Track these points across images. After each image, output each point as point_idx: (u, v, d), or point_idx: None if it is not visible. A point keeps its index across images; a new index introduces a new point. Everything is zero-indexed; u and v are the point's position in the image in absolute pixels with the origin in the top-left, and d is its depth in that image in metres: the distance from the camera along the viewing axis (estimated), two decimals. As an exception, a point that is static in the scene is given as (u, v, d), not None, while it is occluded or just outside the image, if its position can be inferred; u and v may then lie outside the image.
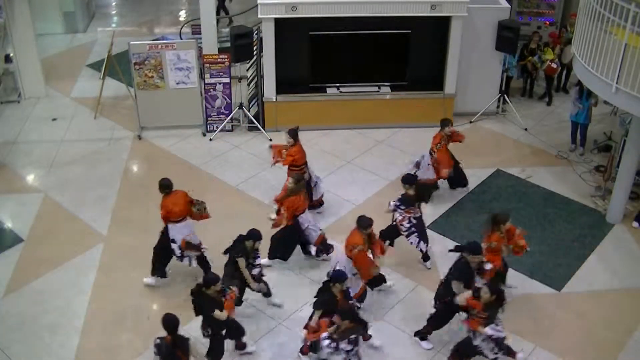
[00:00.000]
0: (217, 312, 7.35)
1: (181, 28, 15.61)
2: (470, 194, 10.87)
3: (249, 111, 12.64)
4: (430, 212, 10.46)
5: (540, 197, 10.91)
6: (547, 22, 14.91)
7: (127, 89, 13.20)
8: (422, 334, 8.17)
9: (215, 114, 12.46)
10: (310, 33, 11.98)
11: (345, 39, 12.08)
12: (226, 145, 12.19)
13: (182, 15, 17.93)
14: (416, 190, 8.96)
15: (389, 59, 12.41)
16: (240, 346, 8.02)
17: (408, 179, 9.05)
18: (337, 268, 7.82)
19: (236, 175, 11.31)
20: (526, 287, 9.09)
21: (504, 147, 12.04)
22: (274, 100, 12.32)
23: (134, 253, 9.51)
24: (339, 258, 8.34)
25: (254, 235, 8.09)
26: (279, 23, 11.67)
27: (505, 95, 13.00)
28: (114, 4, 18.92)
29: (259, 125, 12.47)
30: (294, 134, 9.80)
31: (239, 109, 12.49)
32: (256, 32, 12.11)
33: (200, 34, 12.81)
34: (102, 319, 8.51)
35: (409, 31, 12.09)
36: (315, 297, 7.60)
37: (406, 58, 12.33)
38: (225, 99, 12.41)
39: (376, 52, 12.30)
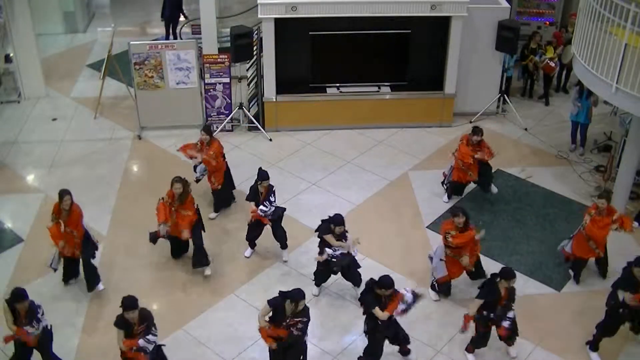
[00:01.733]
0: (377, 311, 7.33)
1: (181, 28, 15.60)
2: (470, 194, 10.86)
3: (249, 111, 12.64)
4: (429, 212, 10.48)
5: (540, 197, 10.91)
6: (547, 22, 14.90)
7: (127, 89, 13.20)
8: (593, 343, 8.12)
9: (215, 114, 12.46)
10: (310, 33, 11.98)
11: (345, 39, 12.08)
12: (226, 145, 12.12)
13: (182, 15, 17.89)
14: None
15: (389, 59, 12.41)
16: (405, 351, 7.94)
17: (263, 175, 9.05)
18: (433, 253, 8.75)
19: (236, 175, 11.28)
20: (526, 287, 9.09)
21: (504, 147, 12.03)
22: (274, 100, 12.32)
23: (134, 253, 9.52)
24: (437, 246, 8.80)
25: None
26: (279, 23, 11.67)
27: (505, 95, 13.00)
28: (114, 4, 18.91)
29: (259, 125, 12.47)
30: (208, 130, 9.92)
31: (239, 109, 12.49)
32: (256, 32, 12.11)
33: (200, 33, 12.82)
34: (102, 319, 8.50)
35: (409, 31, 12.09)
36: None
37: (406, 58, 12.33)
38: (225, 99, 12.41)
39: (376, 52, 12.30)
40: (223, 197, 10.41)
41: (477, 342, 7.93)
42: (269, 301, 7.16)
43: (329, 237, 8.34)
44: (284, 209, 9.33)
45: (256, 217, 9.07)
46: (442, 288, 8.79)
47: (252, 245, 9.53)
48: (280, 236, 9.32)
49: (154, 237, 8.93)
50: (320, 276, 8.82)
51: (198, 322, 8.48)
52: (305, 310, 7.16)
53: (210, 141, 9.89)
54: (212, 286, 9.07)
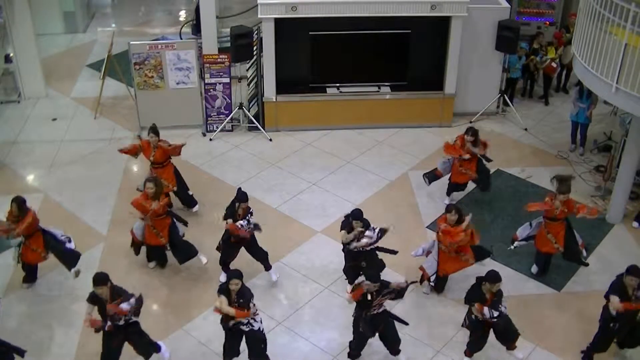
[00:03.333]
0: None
1: (181, 28, 15.61)
2: (470, 193, 10.86)
3: (249, 111, 12.65)
4: (430, 212, 10.48)
5: (540, 197, 10.84)
6: (547, 22, 14.90)
7: (127, 89, 13.21)
8: (587, 356, 8.07)
9: (215, 114, 12.46)
10: (310, 33, 11.98)
11: (345, 39, 12.08)
12: (226, 145, 12.20)
13: (182, 15, 17.94)
14: None
15: (389, 59, 12.41)
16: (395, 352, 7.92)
17: (241, 197, 8.62)
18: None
19: (236, 175, 11.32)
20: (526, 287, 9.10)
21: (504, 147, 12.05)
22: (274, 100, 12.32)
23: (134, 253, 9.51)
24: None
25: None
26: (279, 23, 11.67)
27: (505, 95, 13.00)
28: (114, 4, 18.93)
29: (259, 125, 12.47)
30: (156, 130, 9.67)
31: (239, 109, 12.49)
32: (256, 32, 12.11)
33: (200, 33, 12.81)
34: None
35: (409, 31, 12.10)
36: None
37: (406, 58, 12.33)
38: (225, 99, 12.41)
39: (376, 52, 12.30)
40: (182, 198, 10.26)
41: (473, 346, 7.90)
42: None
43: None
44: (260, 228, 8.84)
45: (233, 230, 8.52)
46: (438, 283, 8.83)
47: (227, 269, 8.83)
48: (262, 257, 8.97)
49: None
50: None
51: (198, 322, 8.48)
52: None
53: (157, 143, 9.60)
54: (212, 286, 9.05)
